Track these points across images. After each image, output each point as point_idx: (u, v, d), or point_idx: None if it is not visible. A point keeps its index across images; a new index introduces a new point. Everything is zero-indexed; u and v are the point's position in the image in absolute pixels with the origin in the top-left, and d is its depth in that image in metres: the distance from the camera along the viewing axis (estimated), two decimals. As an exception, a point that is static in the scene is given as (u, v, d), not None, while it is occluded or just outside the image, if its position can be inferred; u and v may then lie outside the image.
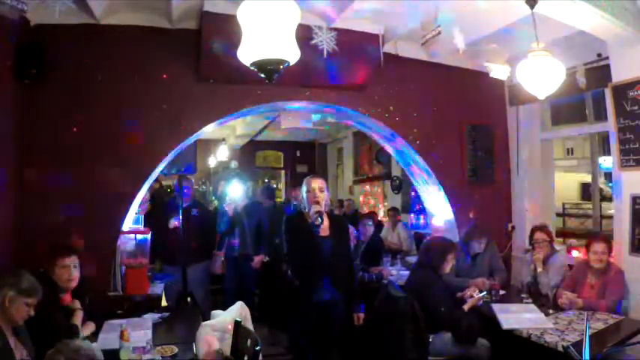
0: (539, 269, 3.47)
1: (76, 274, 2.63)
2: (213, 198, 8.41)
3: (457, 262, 3.72)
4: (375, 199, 8.82)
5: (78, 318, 2.52)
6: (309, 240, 2.79)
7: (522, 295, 3.43)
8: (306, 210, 2.89)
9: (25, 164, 3.20)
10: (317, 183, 2.89)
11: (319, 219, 2.75)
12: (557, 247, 3.87)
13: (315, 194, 2.84)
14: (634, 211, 3.35)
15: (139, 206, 3.92)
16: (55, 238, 2.99)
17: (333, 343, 2.86)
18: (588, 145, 6.20)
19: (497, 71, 3.61)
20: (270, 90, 3.79)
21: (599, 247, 3.18)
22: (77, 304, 2.59)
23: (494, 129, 4.80)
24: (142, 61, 3.50)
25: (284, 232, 2.95)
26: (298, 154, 11.46)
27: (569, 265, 3.63)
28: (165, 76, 3.57)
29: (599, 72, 3.69)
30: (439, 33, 3.43)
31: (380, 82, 4.16)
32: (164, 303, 3.74)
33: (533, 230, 3.71)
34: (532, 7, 2.73)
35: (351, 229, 4.68)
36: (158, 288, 3.68)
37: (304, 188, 2.92)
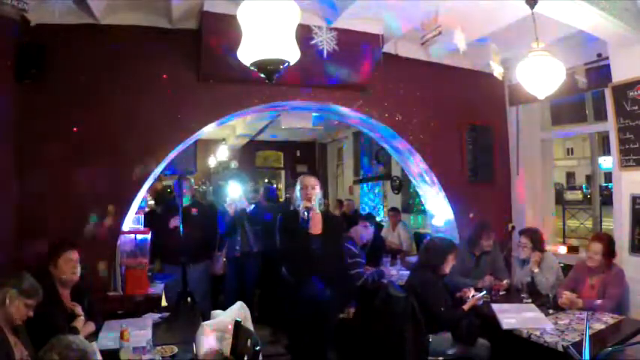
0: (535, 270, 3.49)
1: (78, 268, 2.64)
2: (213, 198, 8.41)
3: (462, 262, 3.72)
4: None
5: (79, 323, 2.52)
6: (300, 237, 2.93)
7: (522, 295, 3.43)
8: (299, 207, 3.01)
9: (25, 164, 3.20)
10: (310, 181, 3.06)
11: (306, 213, 2.91)
12: (552, 247, 3.90)
13: (308, 192, 2.99)
14: (634, 211, 3.36)
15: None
16: (55, 238, 2.98)
17: (326, 337, 2.92)
18: (588, 145, 6.21)
19: (496, 71, 3.62)
20: (270, 90, 3.79)
21: (593, 246, 3.22)
22: (78, 309, 2.58)
23: (494, 129, 4.80)
24: (142, 61, 3.50)
25: (278, 230, 3.10)
26: (298, 154, 11.47)
27: (565, 264, 3.65)
28: (165, 76, 3.57)
29: (599, 72, 3.69)
30: (440, 33, 3.44)
31: (380, 82, 4.15)
32: (164, 303, 3.74)
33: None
34: (532, 7, 2.73)
35: (360, 231, 4.62)
36: (158, 288, 3.67)
37: (298, 186, 3.08)
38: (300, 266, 2.94)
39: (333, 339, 3.07)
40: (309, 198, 2.99)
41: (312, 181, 3.08)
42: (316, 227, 2.96)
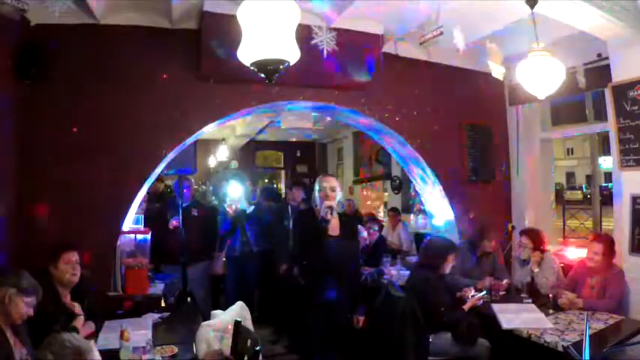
0: (536, 270, 3.49)
1: (78, 269, 2.64)
2: (213, 198, 8.40)
3: (463, 262, 3.72)
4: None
5: (79, 323, 2.52)
6: (317, 238, 2.81)
7: (522, 295, 3.43)
8: (317, 207, 2.91)
9: (25, 164, 3.20)
10: (330, 182, 2.93)
11: (329, 214, 2.76)
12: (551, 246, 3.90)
13: (327, 193, 2.87)
14: (634, 211, 3.35)
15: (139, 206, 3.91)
16: (55, 238, 2.99)
17: (334, 343, 2.87)
18: (588, 145, 6.22)
19: (496, 71, 3.62)
20: (270, 90, 3.79)
21: (592, 246, 3.24)
22: (78, 308, 2.58)
23: (494, 129, 4.80)
24: (142, 61, 3.50)
25: (293, 229, 2.95)
26: (298, 154, 11.46)
27: (563, 264, 3.66)
28: (165, 76, 3.57)
29: (599, 72, 3.69)
30: (441, 33, 3.44)
31: (380, 82, 4.15)
32: (164, 303, 3.74)
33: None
34: (532, 7, 2.73)
35: (361, 230, 4.68)
36: (158, 288, 3.68)
37: (316, 187, 2.95)
38: (316, 269, 2.80)
39: (338, 341, 3.02)
40: (330, 199, 2.85)
41: (333, 182, 2.93)
42: (334, 229, 2.87)
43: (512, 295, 3.53)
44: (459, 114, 4.61)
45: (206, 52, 3.46)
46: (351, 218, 3.29)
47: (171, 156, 3.70)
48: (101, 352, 2.06)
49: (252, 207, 4.64)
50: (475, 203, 4.58)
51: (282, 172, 12.07)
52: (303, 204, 4.77)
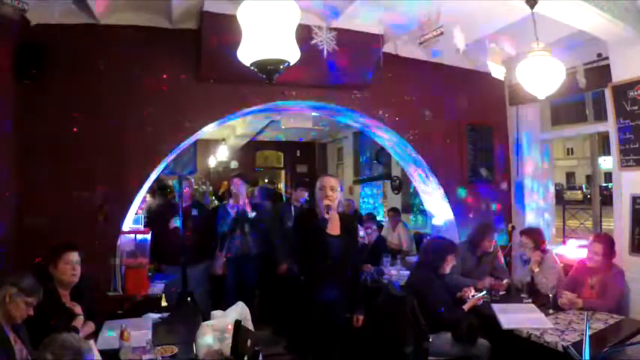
0: (536, 270, 3.48)
1: (78, 269, 2.64)
2: (213, 198, 8.41)
3: (463, 261, 3.72)
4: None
5: (78, 323, 2.52)
6: (318, 237, 2.82)
7: (522, 295, 3.43)
8: (318, 208, 2.92)
9: (25, 164, 3.20)
10: (329, 181, 2.94)
11: (327, 212, 2.78)
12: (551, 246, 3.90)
13: (327, 192, 2.88)
14: (634, 211, 3.36)
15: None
16: (55, 238, 2.99)
17: (333, 342, 2.87)
18: (588, 145, 6.22)
19: (496, 71, 3.62)
20: (270, 90, 3.79)
21: (593, 247, 3.24)
22: (78, 309, 2.58)
23: (494, 129, 4.80)
24: (142, 61, 3.50)
25: (293, 228, 3.00)
26: (298, 154, 11.47)
27: (563, 264, 3.65)
28: (165, 76, 3.57)
29: (599, 72, 3.69)
30: (441, 33, 3.43)
31: (380, 82, 4.15)
32: (164, 303, 3.74)
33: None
34: (532, 7, 2.73)
35: (359, 230, 4.67)
36: (158, 288, 3.68)
37: (317, 185, 2.97)
38: (317, 268, 2.81)
39: (339, 340, 3.02)
40: (329, 199, 2.86)
41: (332, 181, 2.94)
42: (334, 228, 2.90)
43: (512, 295, 3.53)
44: (459, 114, 4.61)
45: (206, 52, 3.46)
46: (350, 218, 3.30)
47: (171, 156, 3.70)
48: (101, 352, 2.07)
49: (254, 213, 4.57)
50: (475, 203, 4.59)
51: (282, 172, 12.08)
52: (306, 205, 4.78)
